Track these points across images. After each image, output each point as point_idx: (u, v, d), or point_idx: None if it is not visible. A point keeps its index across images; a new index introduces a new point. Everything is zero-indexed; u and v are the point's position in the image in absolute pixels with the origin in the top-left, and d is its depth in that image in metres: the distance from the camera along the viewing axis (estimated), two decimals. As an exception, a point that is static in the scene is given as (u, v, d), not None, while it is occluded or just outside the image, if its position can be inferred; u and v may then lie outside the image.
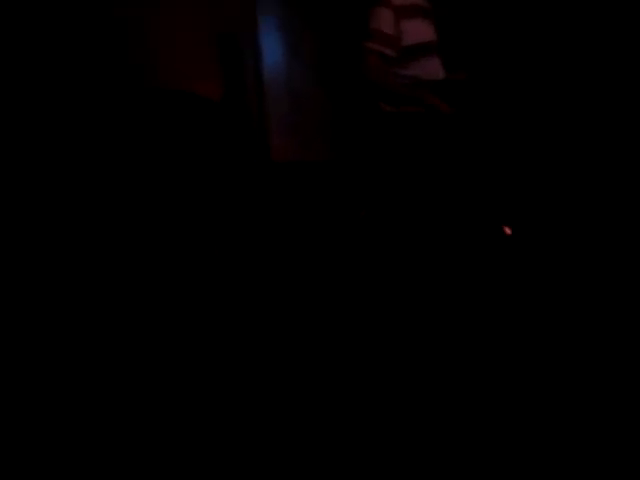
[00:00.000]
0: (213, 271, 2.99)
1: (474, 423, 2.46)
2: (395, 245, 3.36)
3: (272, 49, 4.18)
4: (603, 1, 3.60)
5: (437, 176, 3.34)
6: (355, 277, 3.38)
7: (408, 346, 2.89)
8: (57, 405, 2.60)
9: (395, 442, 2.39)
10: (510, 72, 3.81)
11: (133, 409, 2.60)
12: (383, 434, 2.44)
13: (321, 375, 2.79)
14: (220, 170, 3.05)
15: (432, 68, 3.33)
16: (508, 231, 3.32)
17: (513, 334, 2.85)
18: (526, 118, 3.69)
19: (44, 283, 2.85)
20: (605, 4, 3.60)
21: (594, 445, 2.29)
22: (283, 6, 4.19)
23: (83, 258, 2.89)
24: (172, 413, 2.57)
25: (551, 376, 2.57)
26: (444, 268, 3.28)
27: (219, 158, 3.03)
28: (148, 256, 2.84)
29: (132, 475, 2.31)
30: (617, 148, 3.40)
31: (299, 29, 4.23)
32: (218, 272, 3.02)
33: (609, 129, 3.45)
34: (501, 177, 3.52)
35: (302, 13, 4.23)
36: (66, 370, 2.75)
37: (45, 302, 2.83)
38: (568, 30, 3.69)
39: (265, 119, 4.05)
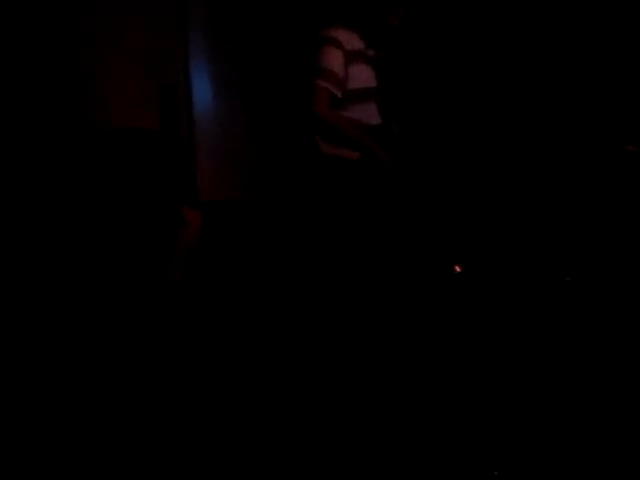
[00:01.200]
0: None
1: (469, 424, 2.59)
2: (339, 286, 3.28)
3: (204, 88, 4.09)
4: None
5: (373, 220, 3.30)
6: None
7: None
8: (57, 405, 2.63)
9: (393, 442, 2.50)
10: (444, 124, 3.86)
11: (133, 409, 2.64)
12: (381, 434, 2.54)
13: (321, 376, 2.92)
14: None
15: (370, 113, 3.37)
16: (458, 269, 3.29)
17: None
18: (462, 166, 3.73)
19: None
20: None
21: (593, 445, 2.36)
22: (215, 44, 4.13)
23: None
24: (172, 413, 2.61)
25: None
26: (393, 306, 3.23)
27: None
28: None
29: (132, 475, 2.35)
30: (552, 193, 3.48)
31: (232, 68, 4.17)
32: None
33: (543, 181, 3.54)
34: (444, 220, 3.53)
35: (235, 52, 4.16)
36: (66, 370, 2.78)
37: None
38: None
39: (194, 155, 3.95)
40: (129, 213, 2.68)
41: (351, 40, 3.28)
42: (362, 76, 3.34)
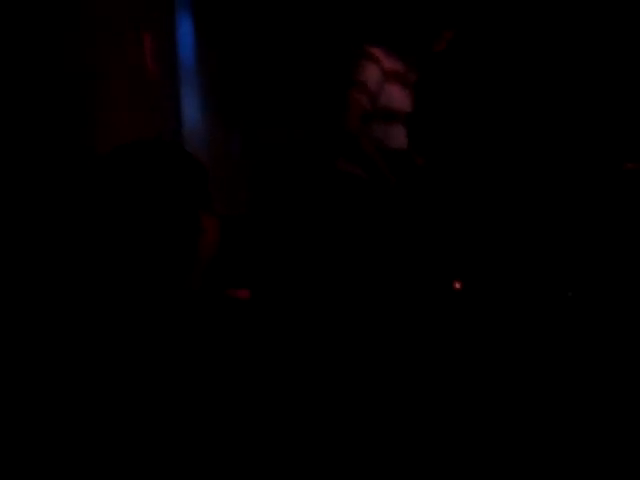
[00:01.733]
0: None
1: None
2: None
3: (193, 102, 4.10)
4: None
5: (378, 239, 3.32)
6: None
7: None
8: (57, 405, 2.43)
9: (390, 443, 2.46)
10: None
11: (133, 409, 2.47)
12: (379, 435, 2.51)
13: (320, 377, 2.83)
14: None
15: (395, 136, 3.35)
16: (458, 286, 3.34)
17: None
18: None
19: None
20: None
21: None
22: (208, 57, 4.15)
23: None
24: (172, 413, 2.47)
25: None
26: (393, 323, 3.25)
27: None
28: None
29: (132, 475, 2.16)
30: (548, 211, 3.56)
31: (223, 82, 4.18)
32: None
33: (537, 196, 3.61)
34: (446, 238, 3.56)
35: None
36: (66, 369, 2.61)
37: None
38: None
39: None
40: (147, 223, 2.69)
41: (390, 60, 3.26)
42: (396, 97, 3.30)
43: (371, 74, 3.19)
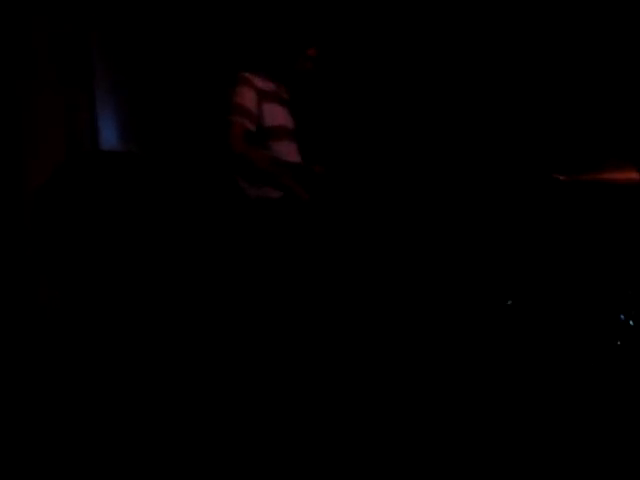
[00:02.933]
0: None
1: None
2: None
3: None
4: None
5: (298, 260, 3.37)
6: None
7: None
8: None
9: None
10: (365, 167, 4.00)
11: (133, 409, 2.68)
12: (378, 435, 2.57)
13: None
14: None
15: (289, 152, 3.50)
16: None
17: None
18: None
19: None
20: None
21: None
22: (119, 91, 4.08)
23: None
24: (172, 413, 2.65)
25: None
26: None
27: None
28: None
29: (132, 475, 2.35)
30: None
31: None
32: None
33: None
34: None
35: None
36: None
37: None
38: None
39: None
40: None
41: (262, 81, 3.45)
42: (277, 115, 3.47)
43: (247, 96, 3.36)
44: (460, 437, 2.64)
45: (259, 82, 3.44)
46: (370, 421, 2.73)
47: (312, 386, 3.01)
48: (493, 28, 4.03)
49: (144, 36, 4.11)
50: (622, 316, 3.05)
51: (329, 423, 2.70)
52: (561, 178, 3.23)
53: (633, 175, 3.17)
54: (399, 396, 2.96)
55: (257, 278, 3.33)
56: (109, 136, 4.03)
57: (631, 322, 3.03)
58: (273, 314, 3.26)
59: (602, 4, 3.79)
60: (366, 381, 3.07)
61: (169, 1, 4.15)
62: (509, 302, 3.22)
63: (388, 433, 2.63)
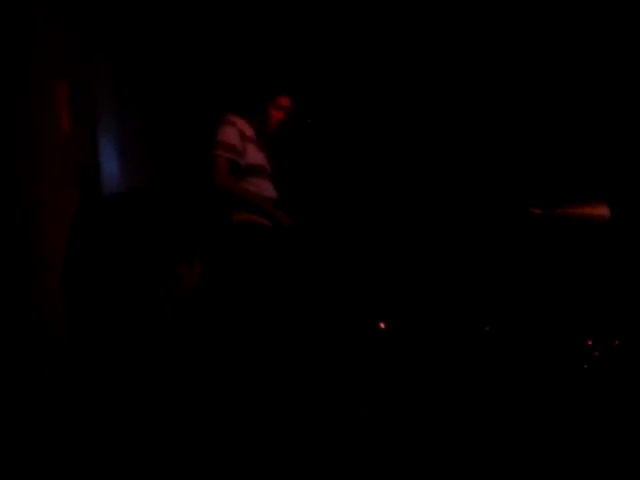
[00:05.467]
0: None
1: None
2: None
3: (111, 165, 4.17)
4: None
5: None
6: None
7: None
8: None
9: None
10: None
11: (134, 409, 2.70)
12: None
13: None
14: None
15: (266, 188, 3.78)
16: (382, 326, 3.56)
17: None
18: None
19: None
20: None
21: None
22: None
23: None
24: (172, 413, 2.67)
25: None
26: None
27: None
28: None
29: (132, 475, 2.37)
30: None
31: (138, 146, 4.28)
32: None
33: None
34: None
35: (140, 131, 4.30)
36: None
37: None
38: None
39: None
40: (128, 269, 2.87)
41: (244, 124, 3.74)
42: (255, 155, 3.76)
43: (232, 134, 3.63)
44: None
45: (242, 124, 3.70)
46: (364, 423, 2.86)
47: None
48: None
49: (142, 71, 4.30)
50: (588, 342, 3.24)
51: (327, 425, 2.81)
52: (536, 211, 3.40)
53: (603, 211, 3.36)
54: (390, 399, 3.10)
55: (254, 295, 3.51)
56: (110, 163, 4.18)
57: (596, 347, 3.21)
58: (268, 321, 3.45)
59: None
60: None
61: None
62: (486, 328, 3.39)
63: (382, 433, 2.77)
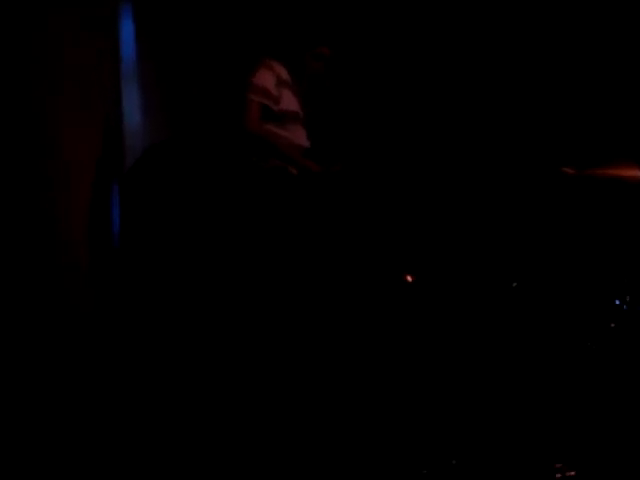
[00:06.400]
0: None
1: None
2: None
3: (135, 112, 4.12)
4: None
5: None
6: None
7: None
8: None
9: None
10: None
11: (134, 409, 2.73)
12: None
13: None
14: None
15: (300, 136, 3.73)
16: (409, 279, 3.54)
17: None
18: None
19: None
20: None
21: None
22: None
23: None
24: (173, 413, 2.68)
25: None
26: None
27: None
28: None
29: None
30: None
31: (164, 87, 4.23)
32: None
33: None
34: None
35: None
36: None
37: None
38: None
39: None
40: None
41: (281, 69, 3.66)
42: (291, 101, 3.69)
43: (268, 79, 3.57)
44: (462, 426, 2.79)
45: (279, 69, 3.64)
46: (368, 416, 2.81)
47: (310, 381, 3.12)
48: (499, 24, 4.18)
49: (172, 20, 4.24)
50: (617, 301, 3.23)
51: (327, 422, 2.74)
52: (569, 172, 3.37)
53: (636, 172, 3.33)
54: (399, 386, 3.08)
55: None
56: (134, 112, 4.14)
57: (625, 307, 3.20)
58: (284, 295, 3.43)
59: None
60: (367, 369, 3.20)
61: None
62: (514, 284, 3.37)
63: (386, 427, 2.73)
